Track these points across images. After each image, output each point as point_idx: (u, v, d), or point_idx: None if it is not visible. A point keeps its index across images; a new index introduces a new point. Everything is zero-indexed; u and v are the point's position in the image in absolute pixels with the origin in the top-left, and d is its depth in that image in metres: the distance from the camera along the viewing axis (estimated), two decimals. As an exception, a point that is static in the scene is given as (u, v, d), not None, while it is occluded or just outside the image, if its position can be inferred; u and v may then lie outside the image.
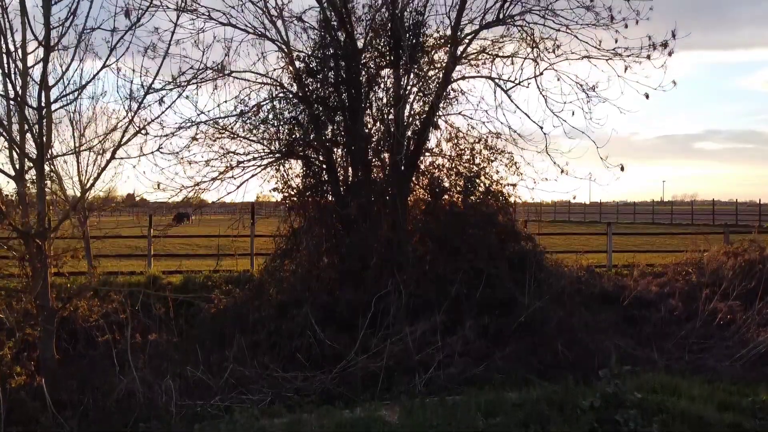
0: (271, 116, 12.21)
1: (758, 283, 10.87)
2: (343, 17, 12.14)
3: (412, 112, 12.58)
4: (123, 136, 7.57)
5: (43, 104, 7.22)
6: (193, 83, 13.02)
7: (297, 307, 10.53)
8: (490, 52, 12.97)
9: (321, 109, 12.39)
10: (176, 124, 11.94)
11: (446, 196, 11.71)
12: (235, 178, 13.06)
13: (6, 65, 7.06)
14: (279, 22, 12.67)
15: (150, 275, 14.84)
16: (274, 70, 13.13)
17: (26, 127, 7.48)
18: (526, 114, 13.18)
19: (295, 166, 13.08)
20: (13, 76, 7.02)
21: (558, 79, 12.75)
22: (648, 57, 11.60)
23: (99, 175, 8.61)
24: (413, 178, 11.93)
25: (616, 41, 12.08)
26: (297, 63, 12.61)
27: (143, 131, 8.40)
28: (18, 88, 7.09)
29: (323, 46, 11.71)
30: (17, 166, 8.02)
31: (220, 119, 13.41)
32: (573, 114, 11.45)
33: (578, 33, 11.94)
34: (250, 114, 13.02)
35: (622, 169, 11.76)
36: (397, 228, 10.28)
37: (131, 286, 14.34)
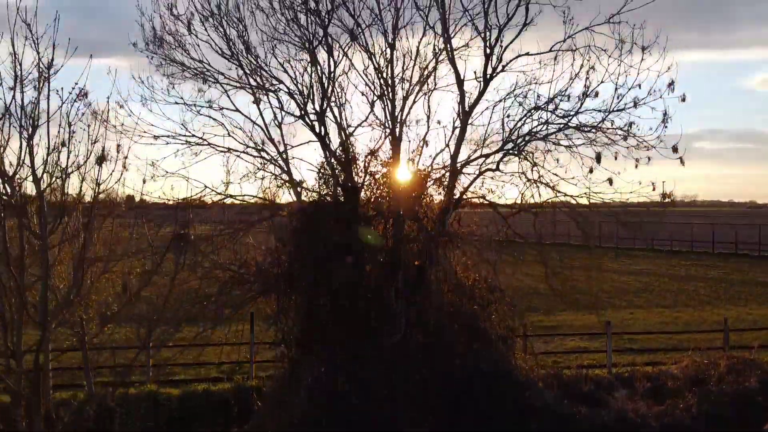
0: (269, 263, 12.20)
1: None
2: (343, 161, 12.10)
3: (410, 252, 12.56)
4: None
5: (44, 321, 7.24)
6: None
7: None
8: (488, 180, 13.03)
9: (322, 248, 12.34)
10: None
11: (448, 346, 11.65)
12: (234, 306, 13.20)
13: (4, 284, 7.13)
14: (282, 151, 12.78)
15: (149, 391, 14.88)
16: (271, 177, 13.32)
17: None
18: (525, 240, 13.34)
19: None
20: (8, 292, 7.08)
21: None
22: (647, 209, 11.63)
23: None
24: (413, 327, 11.90)
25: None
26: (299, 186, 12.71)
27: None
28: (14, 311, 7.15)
29: (321, 205, 11.67)
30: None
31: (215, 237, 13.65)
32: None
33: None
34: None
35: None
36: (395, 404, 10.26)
37: (129, 405, 14.45)
